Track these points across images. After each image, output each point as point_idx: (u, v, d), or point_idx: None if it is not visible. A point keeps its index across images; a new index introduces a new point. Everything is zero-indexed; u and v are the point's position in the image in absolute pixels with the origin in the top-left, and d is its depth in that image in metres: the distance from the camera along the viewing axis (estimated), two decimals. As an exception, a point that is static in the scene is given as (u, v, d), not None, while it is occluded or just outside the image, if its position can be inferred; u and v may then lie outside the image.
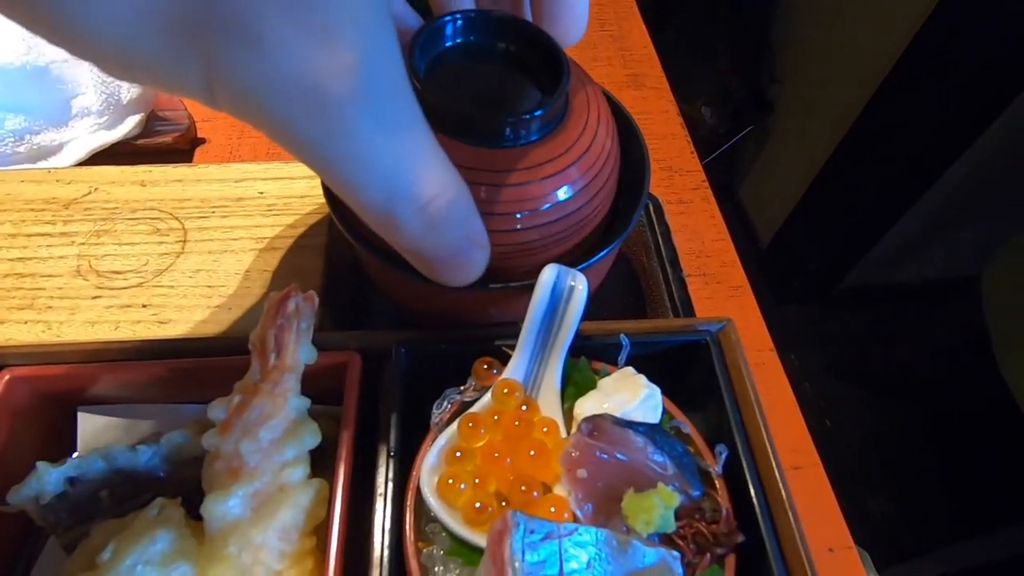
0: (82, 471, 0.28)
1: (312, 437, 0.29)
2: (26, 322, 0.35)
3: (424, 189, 0.22)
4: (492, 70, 0.33)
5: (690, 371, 0.34)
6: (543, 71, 0.32)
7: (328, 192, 0.35)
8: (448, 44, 0.32)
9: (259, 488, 0.27)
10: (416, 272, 0.31)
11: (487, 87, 0.32)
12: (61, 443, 0.34)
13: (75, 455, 0.33)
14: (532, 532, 0.24)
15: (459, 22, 0.32)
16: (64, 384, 0.33)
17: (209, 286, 0.37)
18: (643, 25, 0.75)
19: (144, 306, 0.36)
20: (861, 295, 1.76)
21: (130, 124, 0.54)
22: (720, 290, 0.52)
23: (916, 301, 1.76)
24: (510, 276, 0.32)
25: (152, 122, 0.57)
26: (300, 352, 0.29)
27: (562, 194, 0.31)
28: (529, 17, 0.33)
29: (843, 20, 1.49)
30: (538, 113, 0.30)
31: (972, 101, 1.24)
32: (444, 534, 0.29)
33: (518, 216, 0.31)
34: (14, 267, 0.38)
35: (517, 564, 0.23)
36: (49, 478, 0.27)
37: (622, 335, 0.32)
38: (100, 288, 0.37)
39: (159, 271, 0.38)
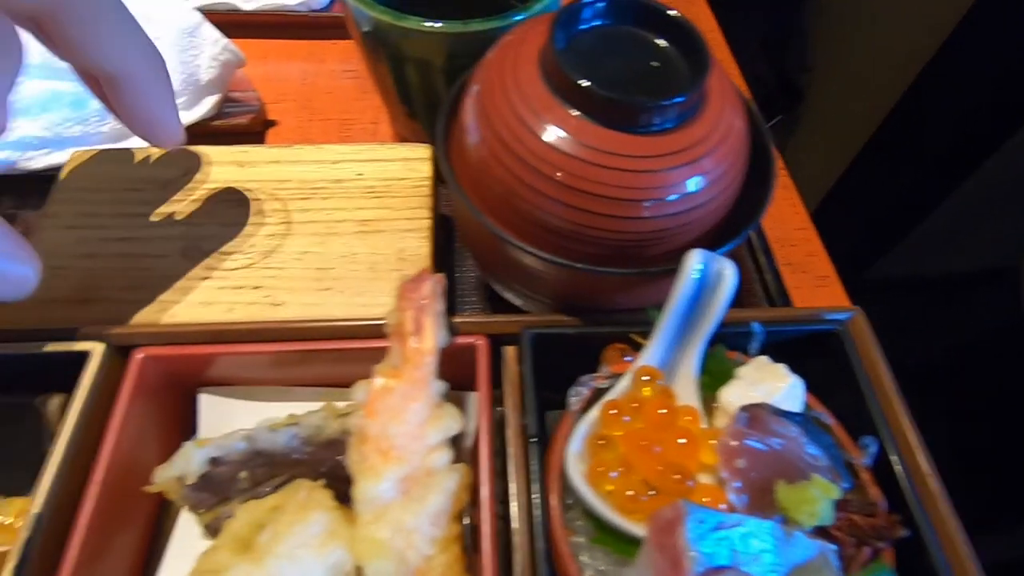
0: (225, 451, 0.28)
1: (453, 421, 0.28)
2: (140, 302, 0.35)
3: None
4: (627, 53, 0.32)
5: (816, 361, 0.34)
6: (678, 57, 0.32)
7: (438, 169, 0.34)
8: (584, 26, 0.31)
9: (408, 472, 0.27)
10: (548, 251, 0.31)
11: (621, 70, 0.31)
12: (181, 424, 0.34)
13: (197, 436, 0.33)
14: (702, 522, 0.24)
15: (599, 5, 0.31)
16: (188, 365, 0.32)
17: (318, 268, 0.37)
18: (709, 8, 0.74)
19: (256, 288, 0.36)
20: (890, 286, 1.74)
21: (207, 105, 0.54)
22: (807, 280, 0.51)
23: (946, 292, 1.74)
24: (630, 264, 0.32)
25: (223, 104, 0.57)
26: (439, 334, 0.29)
27: (693, 185, 0.30)
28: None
29: (879, 6, 1.45)
30: (679, 99, 0.29)
31: (1010, 96, 1.21)
32: (580, 522, 0.28)
33: (646, 204, 0.30)
34: (121, 247, 0.37)
35: (692, 554, 0.23)
36: (195, 458, 0.27)
37: (755, 323, 0.32)
38: (209, 269, 0.37)
39: (266, 252, 0.38)
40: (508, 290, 0.38)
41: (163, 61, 0.30)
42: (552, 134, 0.30)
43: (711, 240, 0.33)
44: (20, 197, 0.49)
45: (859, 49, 1.52)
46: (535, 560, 0.26)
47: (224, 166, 0.42)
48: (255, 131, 0.57)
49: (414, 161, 0.42)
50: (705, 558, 0.23)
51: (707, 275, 0.28)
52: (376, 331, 0.33)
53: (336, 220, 0.39)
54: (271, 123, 0.59)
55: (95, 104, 0.48)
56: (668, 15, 0.31)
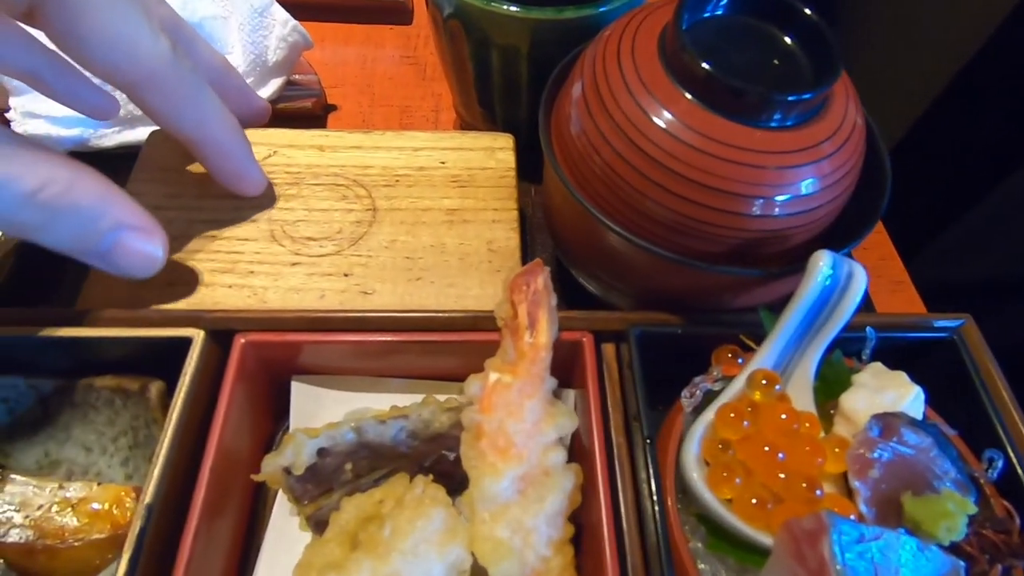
0: (333, 442, 0.27)
1: (568, 420, 0.28)
2: (231, 286, 0.34)
3: (23, 184, 0.24)
4: (749, 46, 0.31)
5: (924, 369, 0.33)
6: (800, 54, 0.31)
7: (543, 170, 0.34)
8: (707, 14, 0.30)
9: (527, 470, 0.26)
10: (649, 242, 0.30)
11: (743, 62, 0.30)
12: (271, 412, 0.34)
13: (288, 425, 0.32)
14: (845, 534, 0.23)
15: None
16: (284, 352, 0.32)
17: (407, 257, 0.36)
18: None
19: (345, 275, 0.35)
20: (922, 293, 1.72)
21: (273, 87, 0.53)
22: (882, 284, 0.50)
23: (978, 301, 1.71)
24: (735, 262, 0.31)
25: (285, 86, 0.56)
26: (552, 329, 0.28)
27: (813, 185, 0.29)
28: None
29: (915, 7, 1.42)
30: (808, 96, 0.28)
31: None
32: (687, 526, 0.28)
33: (761, 201, 0.29)
34: (208, 229, 0.37)
35: (839, 566, 0.22)
36: (307, 448, 0.27)
37: (869, 328, 0.31)
38: (298, 255, 0.36)
39: (354, 239, 0.37)
40: (592, 279, 0.37)
41: (237, 123, 0.34)
42: (670, 120, 0.29)
43: (822, 241, 0.32)
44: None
45: (893, 51, 1.49)
46: (650, 562, 0.26)
47: (305, 150, 0.41)
48: (316, 115, 0.57)
49: (497, 151, 0.42)
50: (849, 571, 0.22)
51: (837, 277, 0.27)
52: (472, 323, 0.32)
53: (422, 209, 0.38)
54: (331, 107, 0.58)
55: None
56: (800, 12, 0.30)
